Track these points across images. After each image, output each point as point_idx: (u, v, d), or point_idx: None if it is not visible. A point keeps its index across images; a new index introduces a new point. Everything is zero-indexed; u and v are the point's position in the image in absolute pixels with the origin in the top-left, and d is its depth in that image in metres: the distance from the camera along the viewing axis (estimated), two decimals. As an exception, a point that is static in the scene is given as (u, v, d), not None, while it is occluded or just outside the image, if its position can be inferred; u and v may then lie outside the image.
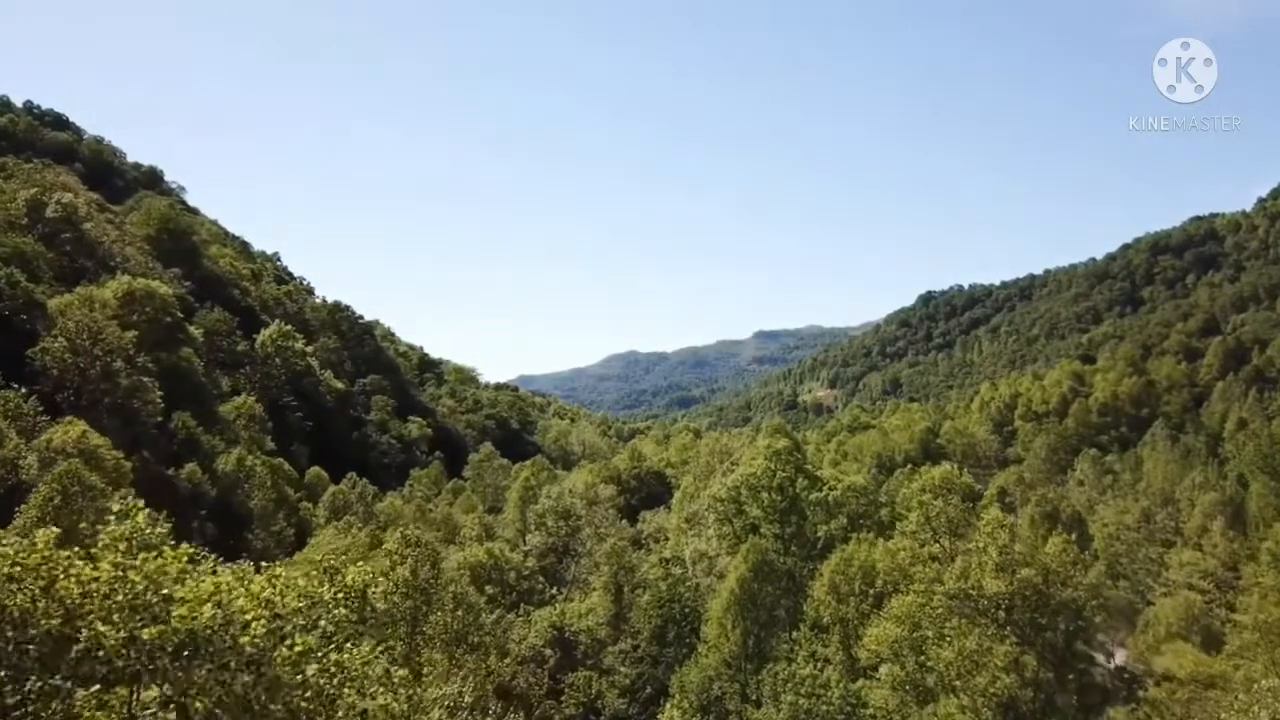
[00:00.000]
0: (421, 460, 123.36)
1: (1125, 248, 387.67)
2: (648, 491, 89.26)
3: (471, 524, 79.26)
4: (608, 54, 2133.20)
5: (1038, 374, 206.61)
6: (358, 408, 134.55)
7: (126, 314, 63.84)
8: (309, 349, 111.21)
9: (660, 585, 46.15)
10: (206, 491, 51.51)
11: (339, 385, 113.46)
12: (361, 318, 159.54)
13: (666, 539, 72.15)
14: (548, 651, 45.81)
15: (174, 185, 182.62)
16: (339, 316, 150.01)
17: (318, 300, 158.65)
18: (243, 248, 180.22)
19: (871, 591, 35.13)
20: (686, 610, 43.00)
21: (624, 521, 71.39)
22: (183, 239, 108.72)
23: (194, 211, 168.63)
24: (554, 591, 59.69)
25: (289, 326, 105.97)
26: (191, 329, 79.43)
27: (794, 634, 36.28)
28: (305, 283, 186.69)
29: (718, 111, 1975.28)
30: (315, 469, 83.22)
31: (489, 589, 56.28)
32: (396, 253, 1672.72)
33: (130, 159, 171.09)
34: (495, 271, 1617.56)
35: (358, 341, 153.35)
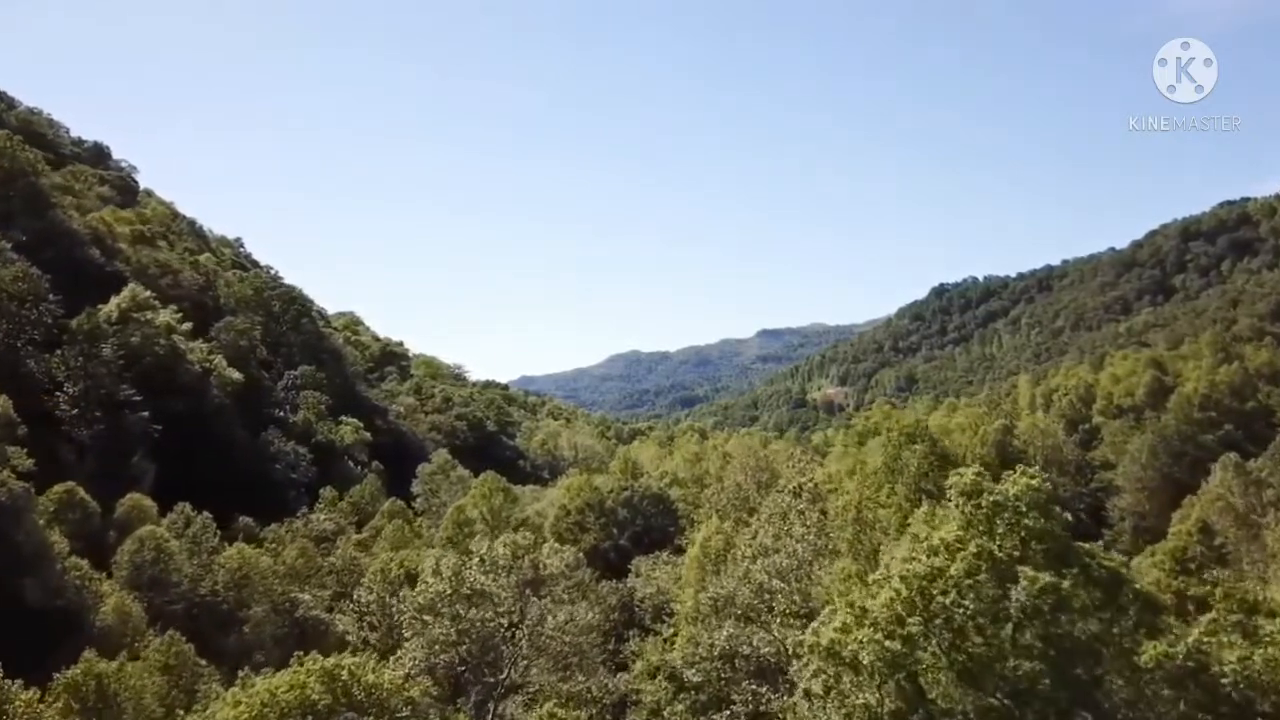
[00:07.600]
0: (352, 473, 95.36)
1: (1152, 234, 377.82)
2: (645, 524, 61.33)
3: (373, 579, 50.91)
4: (608, 51, 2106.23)
5: (1095, 363, 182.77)
6: (283, 406, 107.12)
7: None
8: (186, 326, 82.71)
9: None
10: None
11: (234, 376, 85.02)
12: (294, 291, 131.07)
13: (671, 613, 44.36)
14: None
15: (123, 164, 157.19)
16: (267, 294, 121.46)
17: (236, 273, 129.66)
18: (192, 228, 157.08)
19: None
20: None
21: (604, 586, 43.37)
22: (17, 180, 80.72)
23: (140, 192, 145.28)
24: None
25: (148, 293, 77.74)
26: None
27: None
28: (271, 271, 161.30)
29: (717, 107, 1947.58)
30: (133, 497, 54.27)
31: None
32: (396, 254, 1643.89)
33: (81, 136, 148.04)
34: (495, 273, 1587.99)
35: (293, 325, 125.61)
